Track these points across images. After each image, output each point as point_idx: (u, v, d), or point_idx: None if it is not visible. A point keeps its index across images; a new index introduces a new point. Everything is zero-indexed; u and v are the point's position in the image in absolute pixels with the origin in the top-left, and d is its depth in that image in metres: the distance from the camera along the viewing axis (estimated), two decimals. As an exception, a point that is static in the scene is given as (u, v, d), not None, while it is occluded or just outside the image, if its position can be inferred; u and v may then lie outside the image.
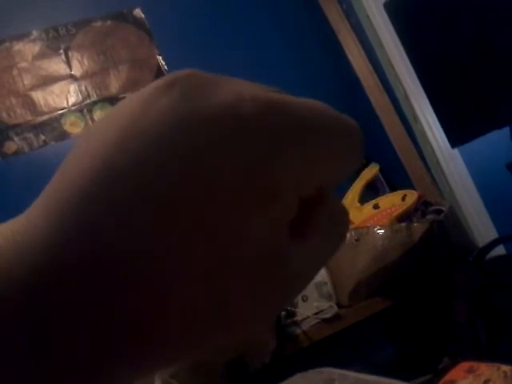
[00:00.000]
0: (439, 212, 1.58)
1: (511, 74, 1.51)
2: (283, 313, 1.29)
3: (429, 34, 1.65)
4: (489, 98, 1.58)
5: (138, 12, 1.91)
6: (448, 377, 0.71)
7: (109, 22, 1.88)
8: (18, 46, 1.78)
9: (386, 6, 1.71)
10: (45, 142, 1.74)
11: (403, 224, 1.51)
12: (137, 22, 1.90)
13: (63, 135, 1.76)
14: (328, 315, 1.34)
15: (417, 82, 1.75)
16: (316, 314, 1.34)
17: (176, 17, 1.95)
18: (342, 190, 1.81)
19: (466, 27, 1.55)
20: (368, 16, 1.91)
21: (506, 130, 1.63)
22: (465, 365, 0.71)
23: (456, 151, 1.86)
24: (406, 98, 1.87)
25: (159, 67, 1.89)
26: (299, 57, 2.08)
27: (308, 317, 1.34)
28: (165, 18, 1.94)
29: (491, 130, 1.61)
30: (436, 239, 1.51)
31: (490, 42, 1.52)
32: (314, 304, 1.34)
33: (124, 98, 1.78)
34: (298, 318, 1.33)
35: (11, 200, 1.63)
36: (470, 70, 1.59)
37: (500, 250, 1.67)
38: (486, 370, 0.68)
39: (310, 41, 2.08)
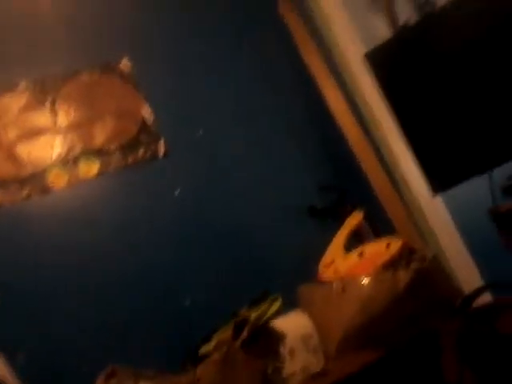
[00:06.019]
0: (423, 259, 1.58)
1: (490, 122, 1.55)
2: (269, 370, 1.27)
3: (409, 84, 1.69)
4: (468, 145, 1.61)
5: (125, 63, 1.93)
6: None
7: (95, 74, 1.90)
8: (5, 100, 1.78)
9: (366, 56, 1.76)
10: (28, 196, 1.73)
11: (388, 273, 1.51)
12: (123, 74, 1.93)
13: (47, 189, 1.75)
14: (315, 370, 1.32)
15: (399, 130, 1.78)
16: (303, 369, 1.32)
17: (163, 68, 1.98)
18: (328, 237, 1.81)
19: (446, 76, 1.59)
20: (348, 64, 1.96)
21: (487, 175, 1.65)
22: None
23: (438, 197, 1.88)
24: (387, 145, 1.90)
25: (143, 119, 1.91)
26: (282, 106, 2.12)
27: (295, 372, 1.32)
28: (152, 69, 1.96)
29: (472, 176, 1.64)
30: (421, 287, 1.51)
31: (470, 90, 1.56)
32: (300, 359, 1.33)
33: (109, 149, 1.80)
34: (285, 373, 1.31)
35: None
36: (449, 118, 1.62)
37: (486, 297, 1.67)
38: None
39: (296, 103, 2.13)
